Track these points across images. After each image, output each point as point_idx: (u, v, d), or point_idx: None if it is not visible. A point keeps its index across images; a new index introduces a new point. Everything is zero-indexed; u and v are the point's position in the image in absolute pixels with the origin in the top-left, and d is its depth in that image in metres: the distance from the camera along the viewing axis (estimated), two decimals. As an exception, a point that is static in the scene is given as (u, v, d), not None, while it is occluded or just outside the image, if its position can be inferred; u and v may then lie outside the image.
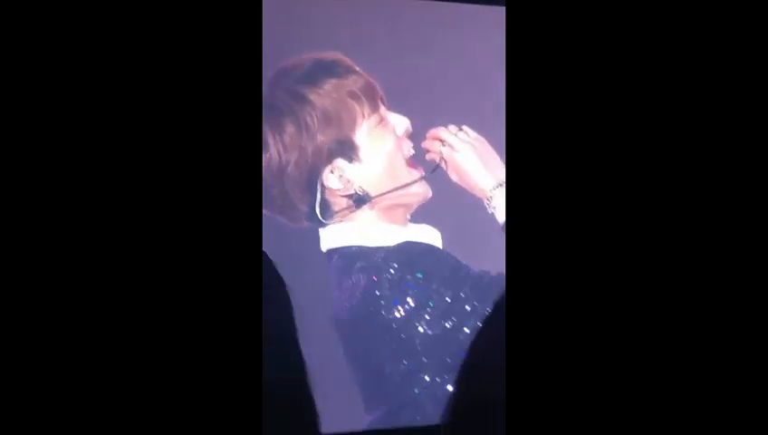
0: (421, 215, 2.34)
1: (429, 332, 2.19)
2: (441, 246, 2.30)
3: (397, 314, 2.19)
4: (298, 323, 1.29)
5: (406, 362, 2.21)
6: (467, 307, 2.18)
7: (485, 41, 2.39)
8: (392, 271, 2.19)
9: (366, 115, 2.23)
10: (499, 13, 1.65)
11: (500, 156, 2.27)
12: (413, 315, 2.18)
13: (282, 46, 2.27)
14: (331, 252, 2.27)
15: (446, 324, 2.18)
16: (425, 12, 2.56)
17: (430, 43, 2.50)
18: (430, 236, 2.30)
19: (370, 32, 2.53)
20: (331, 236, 2.27)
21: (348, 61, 2.25)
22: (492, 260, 2.22)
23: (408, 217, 2.32)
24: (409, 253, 2.22)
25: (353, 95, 2.22)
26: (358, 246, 2.24)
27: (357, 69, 2.25)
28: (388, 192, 2.26)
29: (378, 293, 2.20)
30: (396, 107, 2.30)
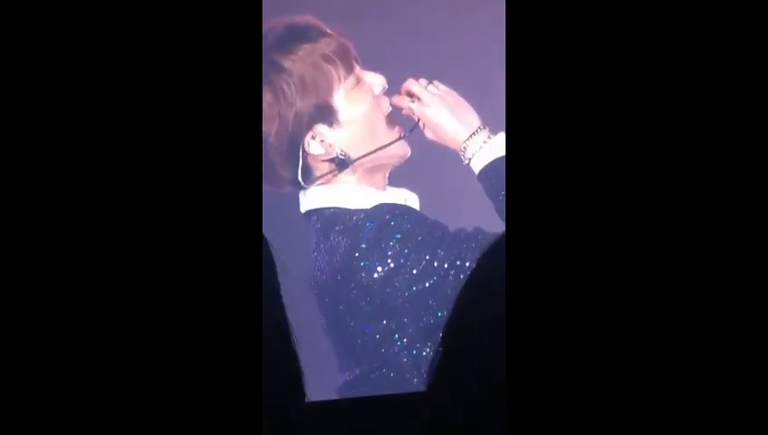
0: (399, 176, 2.34)
1: (407, 292, 2.19)
2: (418, 208, 2.30)
3: (375, 275, 2.19)
4: (281, 280, 1.29)
5: (385, 322, 2.22)
6: (446, 265, 2.18)
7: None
8: (370, 233, 2.19)
9: (341, 78, 2.22)
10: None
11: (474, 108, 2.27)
12: (392, 276, 2.19)
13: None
14: (310, 213, 2.28)
15: (426, 284, 2.19)
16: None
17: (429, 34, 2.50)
18: (407, 198, 2.31)
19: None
20: (311, 198, 2.28)
21: (320, 24, 2.25)
22: (468, 215, 2.25)
23: (387, 178, 2.32)
24: (386, 214, 2.22)
25: (327, 58, 2.21)
26: (336, 208, 2.25)
27: (328, 31, 2.24)
28: (369, 153, 2.25)
29: (356, 254, 2.20)
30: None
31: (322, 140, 2.22)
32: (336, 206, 2.25)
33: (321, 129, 2.22)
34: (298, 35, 2.22)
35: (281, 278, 1.30)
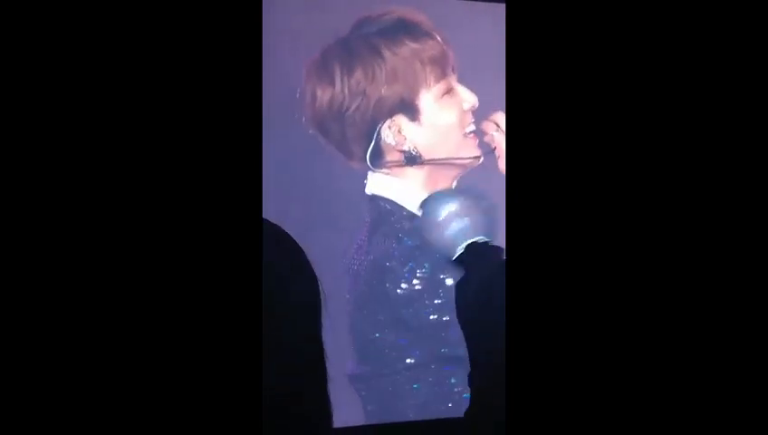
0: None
1: (423, 317, 2.27)
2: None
3: (399, 291, 2.27)
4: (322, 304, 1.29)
5: (395, 335, 2.29)
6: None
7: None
8: (410, 245, 2.27)
9: (431, 83, 2.30)
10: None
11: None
12: (414, 297, 2.26)
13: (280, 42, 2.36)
14: (372, 198, 2.36)
15: (444, 318, 2.26)
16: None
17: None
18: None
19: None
20: (377, 183, 2.36)
21: (430, 25, 2.33)
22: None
23: (455, 183, 2.38)
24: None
25: (424, 61, 2.30)
26: (393, 203, 2.32)
27: (436, 36, 2.33)
28: (440, 160, 2.34)
29: (388, 264, 2.29)
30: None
31: (399, 131, 2.32)
32: (394, 200, 2.33)
33: (400, 120, 2.31)
34: (406, 30, 2.31)
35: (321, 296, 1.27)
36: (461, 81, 2.39)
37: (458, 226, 1.73)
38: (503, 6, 1.48)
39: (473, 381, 1.54)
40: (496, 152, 2.36)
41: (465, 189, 2.08)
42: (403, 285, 2.27)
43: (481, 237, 1.71)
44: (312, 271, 1.26)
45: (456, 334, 2.08)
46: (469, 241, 1.71)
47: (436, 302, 2.26)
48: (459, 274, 1.68)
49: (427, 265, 2.26)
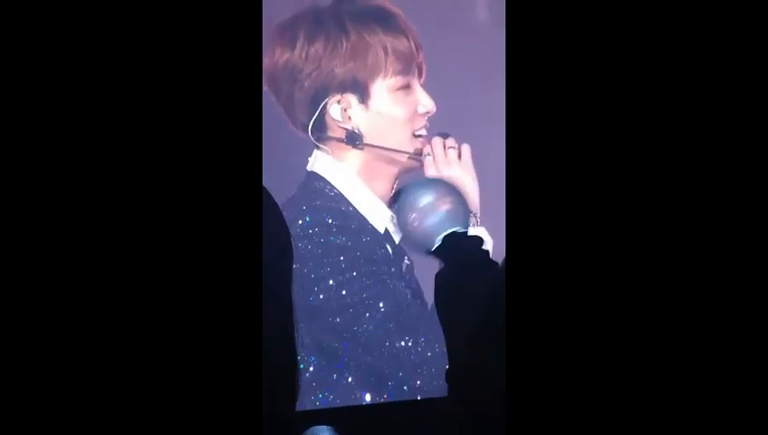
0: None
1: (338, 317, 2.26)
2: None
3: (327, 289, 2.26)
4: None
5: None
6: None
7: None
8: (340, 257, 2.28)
9: (388, 74, 2.32)
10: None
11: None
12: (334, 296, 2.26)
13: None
14: (313, 175, 2.37)
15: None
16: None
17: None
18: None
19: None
20: (321, 164, 2.37)
21: (406, 21, 2.35)
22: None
23: (395, 184, 2.39)
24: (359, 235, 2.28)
25: (387, 50, 2.31)
26: (338, 193, 2.33)
27: (409, 33, 2.35)
28: (380, 147, 2.35)
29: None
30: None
31: (345, 109, 2.34)
32: (338, 188, 2.34)
33: (350, 98, 2.34)
34: (380, 19, 2.33)
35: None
36: (430, 88, 2.41)
37: (436, 217, 1.74)
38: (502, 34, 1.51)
39: (450, 375, 1.54)
40: (425, 161, 2.37)
41: (437, 181, 2.07)
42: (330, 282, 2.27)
43: (458, 228, 1.73)
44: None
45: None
46: (447, 232, 1.73)
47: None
48: (438, 265, 1.70)
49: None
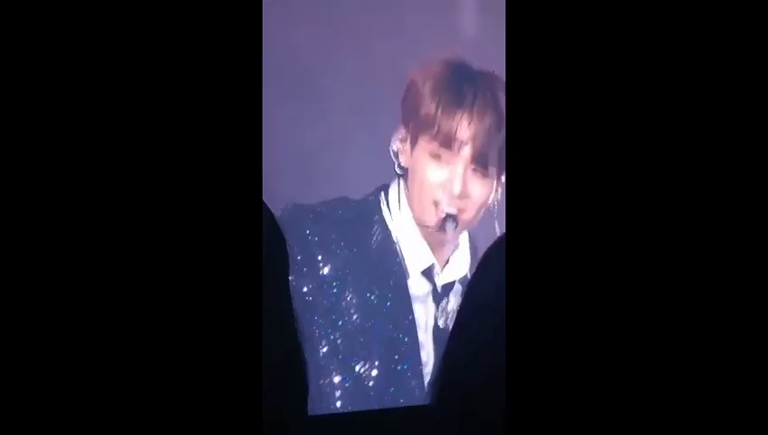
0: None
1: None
2: None
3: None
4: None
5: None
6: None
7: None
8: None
9: (420, 143, 2.33)
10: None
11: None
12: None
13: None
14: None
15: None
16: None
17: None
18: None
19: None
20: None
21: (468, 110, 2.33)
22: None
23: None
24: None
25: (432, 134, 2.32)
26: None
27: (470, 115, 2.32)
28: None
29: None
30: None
31: (399, 146, 2.37)
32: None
33: (405, 134, 2.37)
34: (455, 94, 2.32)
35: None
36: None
37: None
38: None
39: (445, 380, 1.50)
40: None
41: None
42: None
43: None
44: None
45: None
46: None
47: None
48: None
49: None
